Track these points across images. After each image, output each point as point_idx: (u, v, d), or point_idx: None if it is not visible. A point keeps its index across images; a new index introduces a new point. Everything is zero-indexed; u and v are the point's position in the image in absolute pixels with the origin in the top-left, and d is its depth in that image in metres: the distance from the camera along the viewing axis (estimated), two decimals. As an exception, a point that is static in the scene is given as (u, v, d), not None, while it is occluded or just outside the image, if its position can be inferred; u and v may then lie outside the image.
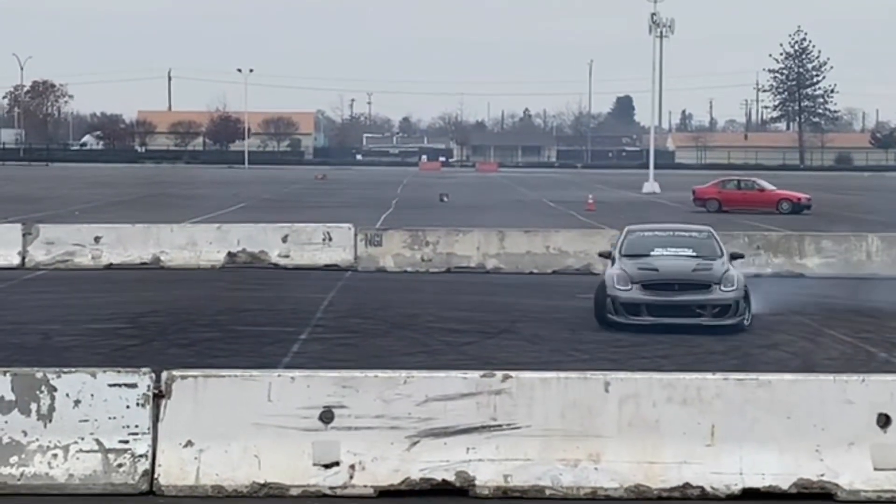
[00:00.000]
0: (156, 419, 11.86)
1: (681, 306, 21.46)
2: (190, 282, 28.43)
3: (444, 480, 11.84)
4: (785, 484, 11.88)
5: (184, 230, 33.20)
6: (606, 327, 21.54)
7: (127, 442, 11.82)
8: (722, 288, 21.61)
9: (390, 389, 11.92)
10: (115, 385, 11.84)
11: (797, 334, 21.64)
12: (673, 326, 21.10)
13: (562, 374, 12.23)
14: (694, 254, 22.84)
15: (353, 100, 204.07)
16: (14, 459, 11.77)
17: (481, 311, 23.92)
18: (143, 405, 11.84)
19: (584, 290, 24.50)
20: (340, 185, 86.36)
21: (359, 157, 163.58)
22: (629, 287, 21.68)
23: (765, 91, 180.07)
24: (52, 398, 11.81)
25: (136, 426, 11.83)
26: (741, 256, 24.21)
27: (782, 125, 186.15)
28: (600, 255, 24.42)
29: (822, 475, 11.88)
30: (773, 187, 61.42)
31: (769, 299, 23.93)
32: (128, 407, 11.82)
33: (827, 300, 26.19)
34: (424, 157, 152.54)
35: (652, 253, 22.86)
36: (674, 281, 21.78)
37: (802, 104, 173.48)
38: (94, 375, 11.89)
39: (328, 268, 31.21)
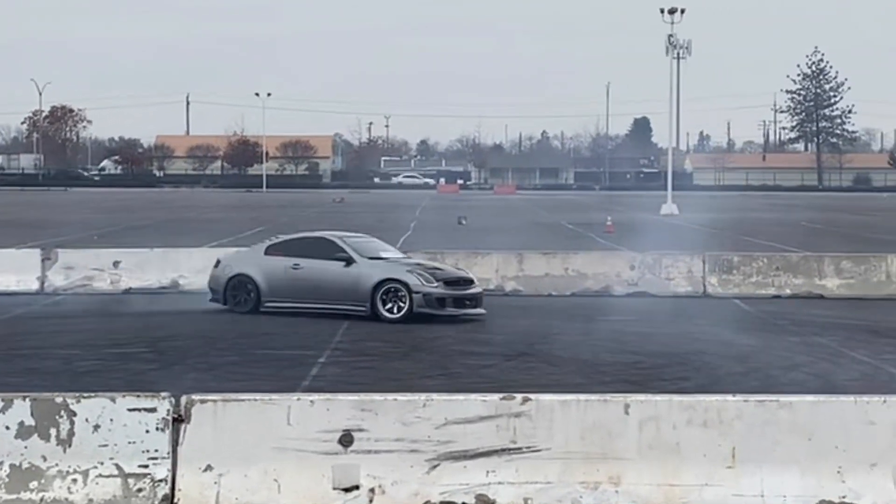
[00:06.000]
0: (175, 444, 11.85)
1: None
2: (209, 306, 28.43)
3: (464, 504, 11.81)
4: (807, 506, 11.82)
5: (202, 254, 33.19)
6: None
7: (146, 466, 11.82)
8: None
9: (410, 412, 11.90)
10: (134, 410, 11.84)
11: (817, 355, 21.57)
12: None
13: (581, 397, 12.20)
14: None
15: (370, 123, 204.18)
16: (34, 485, 11.77)
17: (501, 334, 23.89)
18: (162, 430, 11.83)
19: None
20: (359, 208, 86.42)
21: (376, 179, 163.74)
22: None
23: (782, 112, 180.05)
24: (72, 423, 11.81)
25: (156, 451, 11.82)
26: None
27: (800, 146, 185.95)
28: None
29: (844, 497, 11.82)
30: None
31: None
32: (147, 431, 11.82)
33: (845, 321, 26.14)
34: (442, 180, 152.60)
35: None
36: None
37: (820, 125, 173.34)
38: (113, 400, 11.89)
39: (347, 291, 31.11)
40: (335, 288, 25.86)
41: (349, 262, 25.93)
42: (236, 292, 26.73)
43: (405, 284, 25.28)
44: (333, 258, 26.10)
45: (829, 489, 11.83)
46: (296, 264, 26.42)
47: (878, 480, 11.83)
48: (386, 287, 25.34)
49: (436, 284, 25.36)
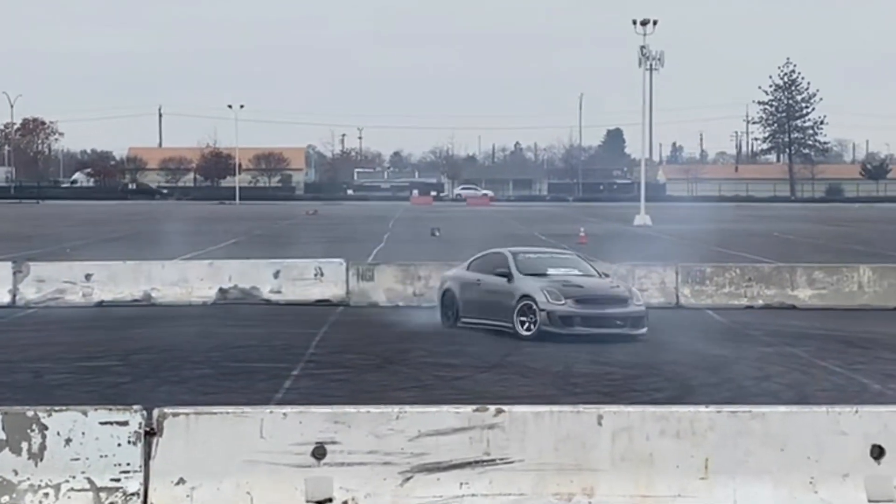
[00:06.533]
0: (147, 457, 11.81)
1: None
2: (181, 318, 28.38)
3: (437, 516, 11.79)
4: (779, 516, 11.84)
5: (175, 267, 33.16)
6: None
7: (118, 480, 11.77)
8: None
9: (383, 425, 11.89)
10: (106, 423, 11.80)
11: (789, 366, 21.62)
12: None
13: (555, 408, 12.21)
14: None
15: (343, 135, 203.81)
16: (5, 499, 11.71)
17: (474, 346, 23.89)
18: (134, 443, 11.79)
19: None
20: (332, 220, 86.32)
21: (350, 191, 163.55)
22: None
23: (755, 123, 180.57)
24: (44, 437, 11.76)
25: (128, 464, 11.78)
26: None
27: (773, 157, 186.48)
28: None
29: (817, 507, 11.84)
30: None
31: None
32: (119, 445, 11.77)
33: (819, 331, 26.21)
34: (415, 192, 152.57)
35: None
36: None
37: (792, 136, 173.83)
38: (85, 413, 11.84)
39: (320, 303, 31.18)
40: (496, 303, 25.56)
41: (510, 277, 25.60)
42: (445, 307, 27.02)
43: (535, 301, 24.72)
44: (498, 274, 25.89)
45: (801, 500, 11.85)
46: (478, 280, 26.37)
47: (849, 491, 11.86)
48: (522, 304, 24.81)
49: (562, 302, 24.44)
